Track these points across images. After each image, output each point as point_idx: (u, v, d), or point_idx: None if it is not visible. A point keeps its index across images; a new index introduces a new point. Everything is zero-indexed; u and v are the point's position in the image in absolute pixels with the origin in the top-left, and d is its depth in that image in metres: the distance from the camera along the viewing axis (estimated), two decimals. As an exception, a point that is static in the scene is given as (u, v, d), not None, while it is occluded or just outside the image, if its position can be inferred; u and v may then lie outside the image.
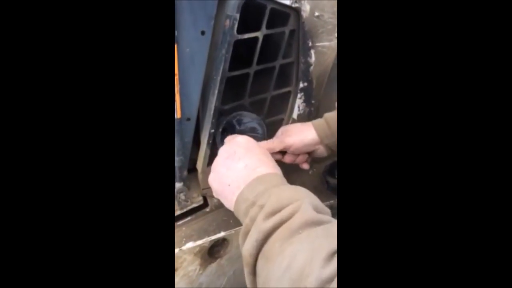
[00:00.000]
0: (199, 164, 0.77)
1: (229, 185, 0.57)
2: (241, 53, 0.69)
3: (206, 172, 0.78)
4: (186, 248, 0.77)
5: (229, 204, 0.58)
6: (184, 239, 0.78)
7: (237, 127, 0.79)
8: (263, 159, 0.58)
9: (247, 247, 0.44)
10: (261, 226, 0.43)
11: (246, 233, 0.46)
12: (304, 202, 0.44)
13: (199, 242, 0.78)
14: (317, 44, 0.77)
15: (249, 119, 0.78)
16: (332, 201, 0.90)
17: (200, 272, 0.89)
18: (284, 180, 0.56)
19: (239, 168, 0.55)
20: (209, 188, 0.82)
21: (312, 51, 0.77)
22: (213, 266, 0.91)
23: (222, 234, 0.80)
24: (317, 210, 0.45)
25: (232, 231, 0.81)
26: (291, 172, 0.90)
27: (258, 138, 0.78)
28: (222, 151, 0.64)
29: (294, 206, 0.44)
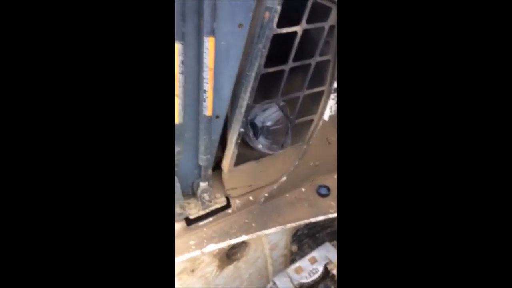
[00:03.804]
0: (225, 164, 0.73)
1: None
2: (275, 49, 0.65)
3: (233, 172, 0.75)
4: (206, 250, 0.74)
5: None
6: (205, 241, 0.75)
7: (261, 123, 0.76)
8: None
9: None
10: None
11: None
12: None
13: (220, 244, 0.75)
14: (356, 42, 0.72)
15: (273, 109, 0.74)
16: (324, 217, 0.85)
17: (217, 273, 0.86)
18: None
19: None
20: (234, 188, 0.79)
21: (350, 50, 0.72)
22: (230, 268, 0.88)
23: (243, 237, 0.76)
24: None
25: (254, 235, 0.77)
26: (286, 190, 0.86)
27: (281, 129, 0.74)
28: None
29: None
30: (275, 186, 0.84)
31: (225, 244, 0.75)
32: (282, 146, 0.77)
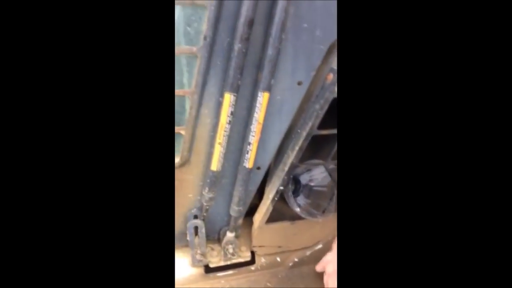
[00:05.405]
0: (257, 219, 0.68)
1: None
2: (332, 111, 0.60)
3: (263, 229, 0.69)
4: (218, 307, 0.68)
5: None
6: (219, 295, 0.69)
7: (307, 181, 0.70)
8: None
9: None
10: None
11: None
12: None
13: (234, 305, 0.68)
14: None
15: (321, 170, 0.68)
16: None
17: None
18: None
19: None
20: (261, 246, 0.73)
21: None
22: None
23: (261, 303, 0.69)
24: None
25: (273, 304, 0.69)
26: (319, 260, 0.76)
27: (326, 193, 0.67)
28: None
29: None
30: (308, 253, 0.76)
31: (239, 305, 0.68)
32: (323, 212, 0.69)
